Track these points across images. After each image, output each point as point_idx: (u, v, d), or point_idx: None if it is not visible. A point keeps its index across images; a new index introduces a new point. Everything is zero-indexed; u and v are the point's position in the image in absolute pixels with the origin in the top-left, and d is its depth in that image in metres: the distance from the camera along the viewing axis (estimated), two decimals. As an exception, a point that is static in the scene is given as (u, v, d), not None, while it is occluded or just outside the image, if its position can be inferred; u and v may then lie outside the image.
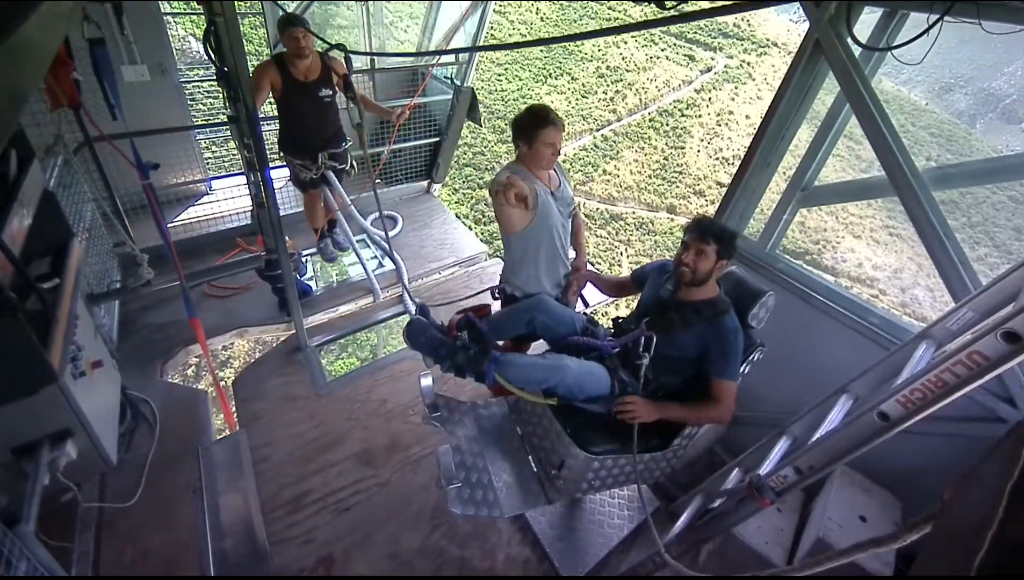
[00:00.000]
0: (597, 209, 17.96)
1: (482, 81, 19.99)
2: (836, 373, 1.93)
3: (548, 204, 2.16)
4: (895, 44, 1.91)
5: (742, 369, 1.96)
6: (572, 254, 2.44)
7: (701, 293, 1.91)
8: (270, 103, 7.31)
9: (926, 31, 1.59)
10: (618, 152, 19.88)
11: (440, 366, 1.97)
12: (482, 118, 4.75)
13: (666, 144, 20.39)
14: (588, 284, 2.44)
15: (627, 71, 22.28)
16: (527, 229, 2.15)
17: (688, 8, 1.92)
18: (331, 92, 3.30)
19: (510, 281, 2.33)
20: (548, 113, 2.08)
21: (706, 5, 2.03)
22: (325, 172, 3.51)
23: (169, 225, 3.08)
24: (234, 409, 2.95)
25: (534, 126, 2.06)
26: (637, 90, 21.77)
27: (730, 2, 1.90)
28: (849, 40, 2.04)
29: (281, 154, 3.51)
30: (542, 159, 2.11)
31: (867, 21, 2.10)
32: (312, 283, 3.80)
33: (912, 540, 1.11)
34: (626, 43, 23.02)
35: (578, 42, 22.18)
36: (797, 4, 2.11)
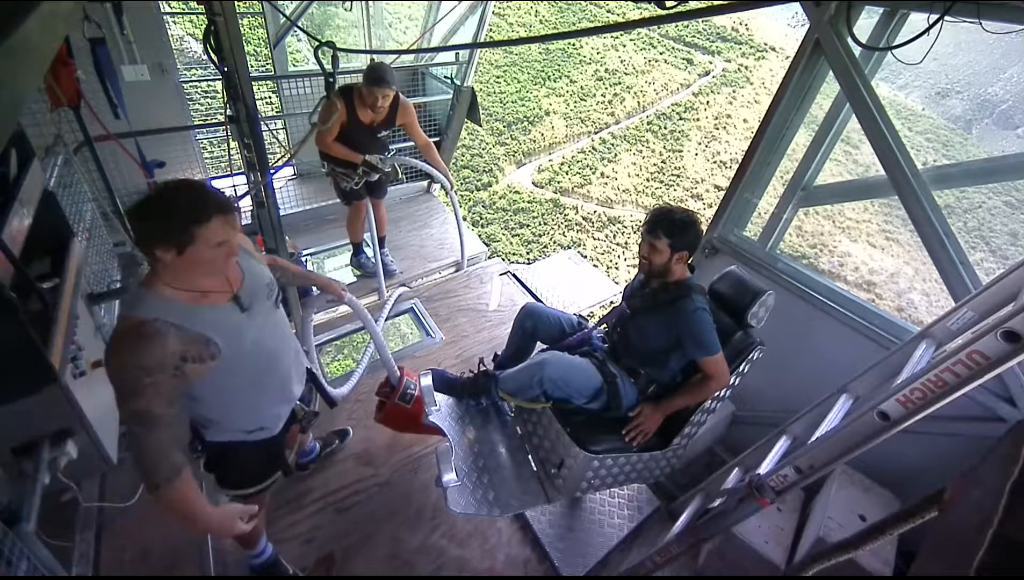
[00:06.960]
0: (595, 212, 17.91)
1: (480, 84, 19.98)
2: (836, 373, 1.94)
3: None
4: (895, 44, 1.92)
5: (742, 368, 1.97)
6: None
7: (668, 277, 1.95)
8: (268, 103, 7.28)
9: (926, 31, 1.60)
10: (616, 155, 19.87)
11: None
12: (481, 119, 4.76)
13: (664, 147, 20.37)
14: None
15: (625, 74, 22.30)
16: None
17: (688, 7, 1.93)
18: (388, 132, 3.34)
19: None
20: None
21: (707, 4, 2.04)
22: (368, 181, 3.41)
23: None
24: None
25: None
26: (635, 93, 21.79)
27: (730, 0, 1.91)
28: (849, 40, 2.05)
29: (325, 165, 3.38)
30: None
31: (864, 27, 2.11)
32: (311, 283, 3.78)
33: (910, 529, 1.11)
34: (624, 46, 23.06)
35: (577, 45, 22.23)
36: (797, 5, 2.12)
